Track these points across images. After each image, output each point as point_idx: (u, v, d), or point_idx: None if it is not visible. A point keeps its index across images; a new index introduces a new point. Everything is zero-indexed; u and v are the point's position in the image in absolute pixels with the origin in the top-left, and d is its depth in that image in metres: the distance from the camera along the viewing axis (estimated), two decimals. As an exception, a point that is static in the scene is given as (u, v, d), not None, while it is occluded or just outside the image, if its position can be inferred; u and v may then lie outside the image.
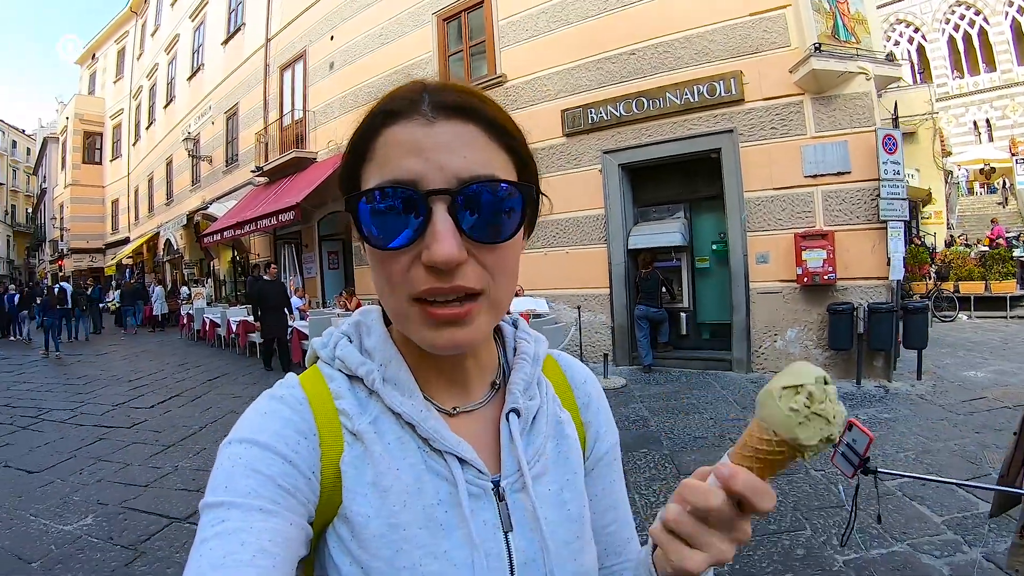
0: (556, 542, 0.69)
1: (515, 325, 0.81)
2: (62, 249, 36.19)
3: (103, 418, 7.73)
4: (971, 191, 29.85)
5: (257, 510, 0.56)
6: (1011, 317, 13.19)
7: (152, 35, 27.50)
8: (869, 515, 3.19)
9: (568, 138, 9.48)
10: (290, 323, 10.54)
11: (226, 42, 19.27)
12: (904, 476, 4.07)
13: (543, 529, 0.68)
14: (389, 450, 0.65)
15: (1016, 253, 14.94)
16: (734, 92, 8.03)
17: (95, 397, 9.09)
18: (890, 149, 7.44)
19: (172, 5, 24.56)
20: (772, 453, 0.51)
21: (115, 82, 33.03)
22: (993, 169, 28.75)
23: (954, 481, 3.02)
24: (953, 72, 34.45)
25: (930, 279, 14.14)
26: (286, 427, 0.63)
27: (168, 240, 22.70)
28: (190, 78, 22.23)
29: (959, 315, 13.37)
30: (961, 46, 34.11)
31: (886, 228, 7.39)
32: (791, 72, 7.71)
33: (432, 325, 0.61)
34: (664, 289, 8.66)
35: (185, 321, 17.28)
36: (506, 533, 0.67)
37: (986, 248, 15.40)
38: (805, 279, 7.72)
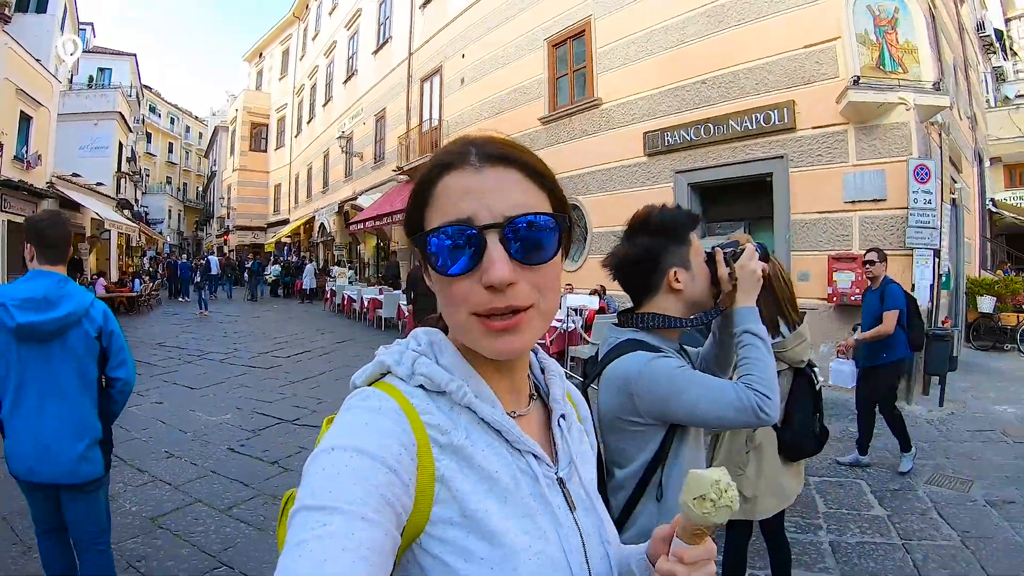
0: (604, 517, 0.89)
1: (534, 351, 0.93)
2: (228, 226, 41.49)
3: (249, 361, 10.62)
4: None
5: (360, 519, 0.59)
6: None
7: (313, 39, 31.28)
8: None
9: (648, 158, 10.99)
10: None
11: (376, 52, 22.23)
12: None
13: (596, 508, 0.88)
14: (485, 456, 0.75)
15: None
16: (786, 120, 9.12)
17: (245, 346, 12.11)
18: (921, 179, 8.12)
19: (330, 13, 28.02)
20: (701, 532, 0.74)
21: (280, 79, 37.54)
22: None
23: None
24: None
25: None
26: (389, 438, 0.68)
27: (322, 224, 26.29)
28: (345, 81, 25.53)
29: None
30: None
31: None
32: (837, 102, 8.48)
33: (491, 335, 0.73)
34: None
35: (329, 296, 20.47)
36: (572, 512, 0.82)
37: None
38: (835, 298, 8.55)
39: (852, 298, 8.34)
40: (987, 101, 21.77)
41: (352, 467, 0.63)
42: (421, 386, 0.77)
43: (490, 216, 0.71)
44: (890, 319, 5.47)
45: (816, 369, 3.01)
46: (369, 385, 0.79)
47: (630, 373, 1.63)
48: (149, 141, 49.36)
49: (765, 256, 1.76)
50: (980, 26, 22.19)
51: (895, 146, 8.39)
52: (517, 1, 14.20)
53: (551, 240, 0.75)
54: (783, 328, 2.92)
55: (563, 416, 0.90)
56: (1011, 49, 33.37)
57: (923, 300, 7.92)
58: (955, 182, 10.94)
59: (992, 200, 18.26)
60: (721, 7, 9.99)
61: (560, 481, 0.84)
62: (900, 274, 8.09)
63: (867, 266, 5.76)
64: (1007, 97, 23.46)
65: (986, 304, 13.32)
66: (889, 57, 8.54)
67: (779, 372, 2.94)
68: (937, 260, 8.51)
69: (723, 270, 1.73)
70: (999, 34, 27.66)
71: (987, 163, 18.49)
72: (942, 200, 8.66)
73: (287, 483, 4.80)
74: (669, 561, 0.75)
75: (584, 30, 12.38)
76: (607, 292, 10.85)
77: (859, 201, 8.61)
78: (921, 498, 4.89)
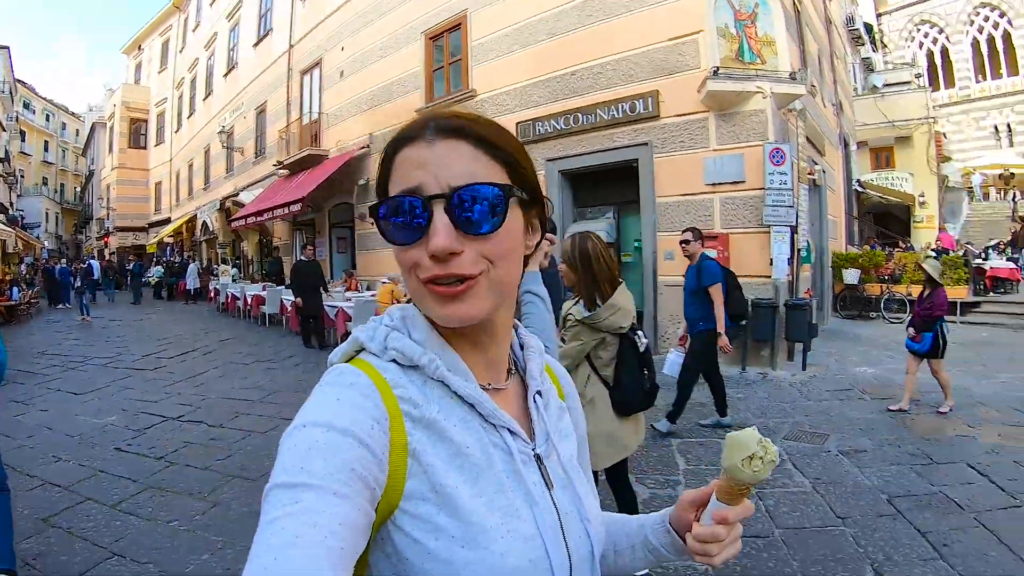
0: (583, 495, 0.87)
1: (515, 327, 0.92)
2: (108, 227, 39.51)
3: (133, 364, 10.17)
4: (986, 196, 30.02)
5: (332, 493, 0.60)
6: (961, 322, 13.76)
7: (193, 31, 30.10)
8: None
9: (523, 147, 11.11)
10: (324, 302, 11.45)
11: (257, 44, 21.63)
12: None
13: (575, 485, 0.86)
14: (458, 431, 0.76)
15: (991, 263, 16.03)
16: (651, 109, 9.54)
17: (129, 350, 11.56)
18: (777, 161, 8.71)
19: (211, 4, 27.09)
20: (745, 491, 0.79)
21: (159, 72, 35.96)
22: (1012, 175, 28.70)
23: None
24: (976, 75, 34.83)
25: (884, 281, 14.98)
26: (360, 412, 0.69)
27: (204, 222, 25.33)
28: (226, 74, 24.70)
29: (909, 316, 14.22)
30: (985, 48, 34.39)
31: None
32: (698, 92, 9.01)
33: (439, 301, 0.74)
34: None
35: (213, 295, 19.82)
36: (549, 490, 0.82)
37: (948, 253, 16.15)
38: None
39: None
40: (855, 90, 23.34)
41: (323, 443, 0.64)
42: (394, 360, 0.78)
43: (437, 186, 0.72)
44: (716, 292, 5.82)
45: (639, 332, 3.30)
46: (345, 363, 0.79)
47: None
48: (23, 139, 46.87)
49: (552, 230, 2.04)
50: (849, 20, 23.86)
51: (752, 132, 8.95)
52: (394, -6, 14.15)
53: (497, 210, 0.74)
54: (598, 301, 3.19)
55: (539, 392, 0.90)
56: (881, 42, 35.94)
57: (780, 273, 8.74)
58: (816, 164, 11.64)
59: (858, 181, 19.70)
60: (591, 1, 10.30)
61: (538, 458, 0.83)
62: (760, 250, 8.83)
63: (683, 245, 6.07)
64: (875, 86, 25.01)
65: (851, 276, 14.49)
66: (748, 49, 9.10)
67: (603, 339, 3.23)
68: (795, 236, 9.11)
69: None
70: (868, 28, 29.65)
71: (853, 147, 19.89)
72: (797, 181, 9.25)
73: (174, 477, 4.97)
74: (704, 526, 0.81)
75: (460, 23, 12.49)
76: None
77: (719, 184, 9.14)
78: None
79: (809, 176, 11.10)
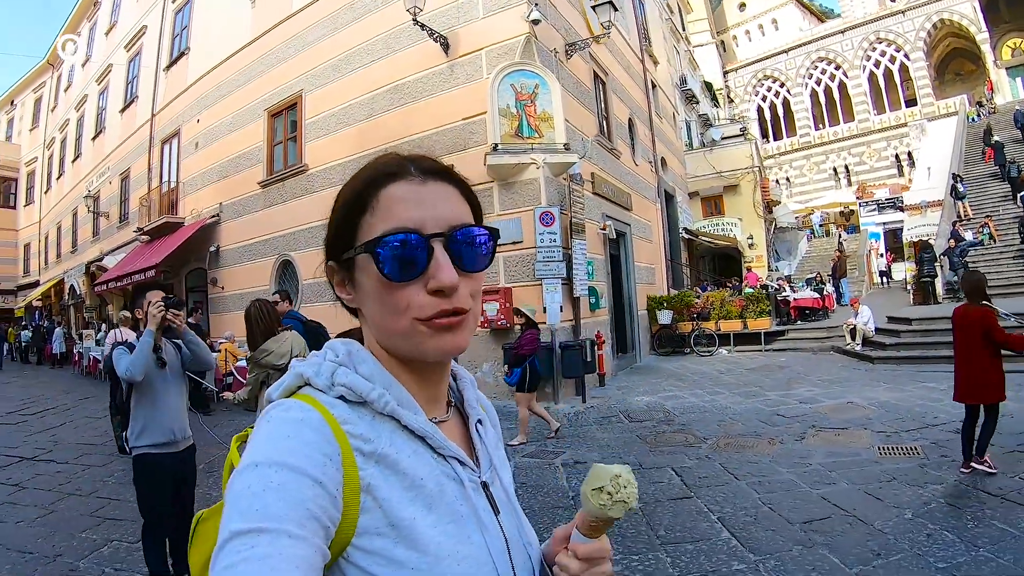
0: (523, 520, 0.93)
1: None
2: (-27, 289, 38.60)
3: None
4: (827, 233, 33.42)
5: (288, 536, 0.61)
6: (766, 350, 15.98)
7: (65, 91, 30.74)
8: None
9: None
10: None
11: (123, 110, 22.78)
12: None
13: (517, 510, 0.92)
14: (411, 463, 0.77)
15: (794, 295, 18.42)
16: None
17: None
18: (546, 222, 10.29)
19: (83, 65, 27.91)
20: (597, 524, 0.82)
21: (31, 130, 36.21)
22: (852, 211, 32.48)
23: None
24: (816, 123, 39.36)
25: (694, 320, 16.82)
26: (313, 449, 0.69)
27: (72, 286, 25.83)
28: (94, 138, 25.64)
29: (719, 350, 15.95)
30: (823, 99, 39.09)
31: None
32: (484, 164, 10.35)
33: (436, 335, 0.78)
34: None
35: (77, 358, 20.64)
36: (496, 515, 0.85)
37: (751, 290, 18.58)
38: (486, 324, 10.49)
39: (499, 323, 10.55)
40: (688, 144, 26.26)
41: (277, 483, 0.64)
42: (341, 397, 0.78)
43: (436, 226, 0.78)
44: None
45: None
46: (287, 397, 0.80)
47: None
48: None
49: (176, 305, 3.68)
50: (683, 81, 26.76)
51: (528, 197, 10.66)
52: (245, 72, 15.89)
53: (488, 251, 0.83)
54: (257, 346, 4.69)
55: (480, 421, 0.95)
56: (728, 97, 40.08)
57: (554, 319, 10.22)
58: (608, 220, 13.61)
59: (685, 228, 22.24)
60: (402, 85, 12.20)
61: (484, 485, 0.87)
62: (538, 300, 10.28)
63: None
64: (713, 139, 27.86)
65: (664, 317, 16.52)
66: (527, 125, 10.76)
67: (268, 373, 4.68)
68: (569, 286, 10.87)
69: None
70: (708, 86, 33.25)
71: (681, 198, 22.47)
72: (571, 237, 10.92)
73: (23, 496, 6.53)
74: (566, 555, 0.85)
75: (296, 102, 14.31)
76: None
77: (503, 244, 10.10)
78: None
79: (601, 231, 13.37)
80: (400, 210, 0.79)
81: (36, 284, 33.19)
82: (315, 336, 7.51)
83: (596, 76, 14.31)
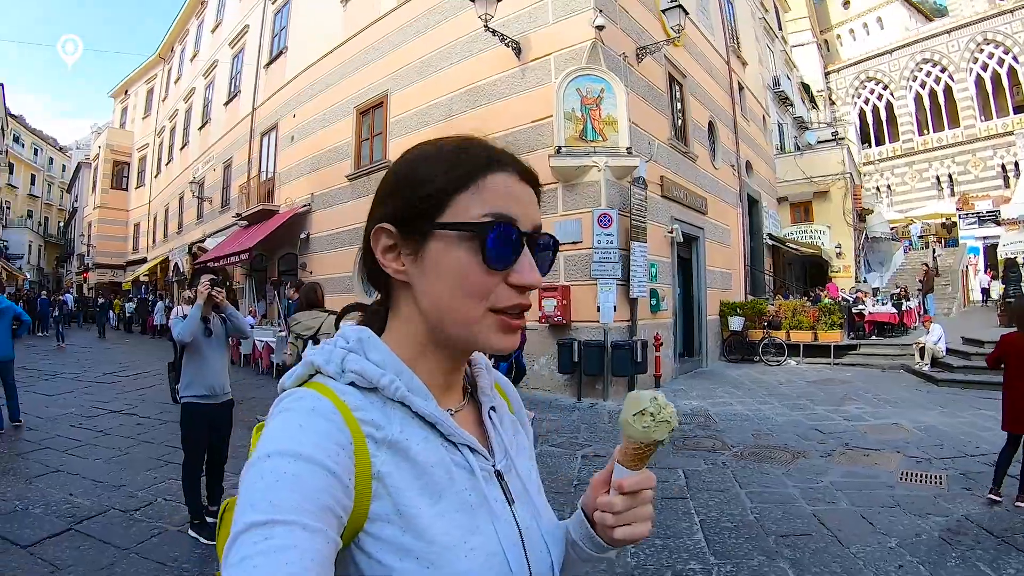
0: (541, 508, 0.91)
1: None
2: (88, 263, 42.54)
3: (95, 378, 13.25)
4: (926, 245, 32.32)
5: (301, 528, 0.61)
6: (835, 363, 15.69)
7: (175, 83, 33.37)
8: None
9: None
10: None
11: (227, 103, 24.72)
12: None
13: (534, 499, 0.90)
14: (421, 450, 0.78)
15: (870, 309, 17.91)
16: None
17: (93, 369, 14.77)
18: (604, 224, 10.75)
19: (192, 60, 30.32)
20: (641, 452, 0.79)
21: (144, 118, 39.32)
22: (953, 223, 31.49)
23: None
24: (920, 128, 37.91)
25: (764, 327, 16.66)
26: (325, 438, 0.69)
27: (176, 263, 28.12)
28: (200, 128, 27.87)
29: (788, 360, 15.84)
30: (927, 103, 37.59)
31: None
32: (549, 166, 10.86)
33: (504, 331, 0.81)
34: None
35: (174, 330, 22.75)
36: (510, 505, 0.85)
37: (830, 301, 17.92)
38: (543, 320, 11.09)
39: (555, 319, 11.12)
40: (778, 147, 25.97)
41: (290, 474, 0.65)
42: (352, 383, 0.79)
43: (528, 225, 0.81)
44: None
45: (323, 339, 5.60)
46: (299, 386, 0.80)
47: None
48: (11, 172, 49.66)
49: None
50: (775, 82, 26.54)
51: (590, 199, 11.11)
52: (337, 71, 17.14)
53: (551, 259, 0.88)
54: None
55: (493, 408, 0.95)
56: (829, 99, 39.18)
57: (607, 318, 10.72)
58: (675, 225, 13.94)
59: (769, 235, 22.01)
60: (478, 88, 13.00)
61: (498, 474, 0.87)
62: (593, 299, 10.94)
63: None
64: (809, 143, 27.52)
65: (736, 323, 16.46)
66: (591, 128, 11.20)
67: (303, 338, 5.59)
68: (626, 287, 11.28)
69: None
70: (806, 87, 32.73)
71: (767, 203, 22.29)
72: (632, 240, 11.30)
73: (106, 441, 7.90)
74: (609, 495, 0.82)
75: (383, 101, 15.41)
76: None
77: (564, 243, 10.60)
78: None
79: (668, 234, 13.80)
80: (504, 200, 0.80)
81: (143, 261, 36.13)
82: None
83: (672, 79, 14.60)
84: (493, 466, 0.87)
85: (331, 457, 0.68)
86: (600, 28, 11.16)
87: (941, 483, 6.22)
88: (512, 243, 0.79)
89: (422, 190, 0.81)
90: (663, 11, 13.25)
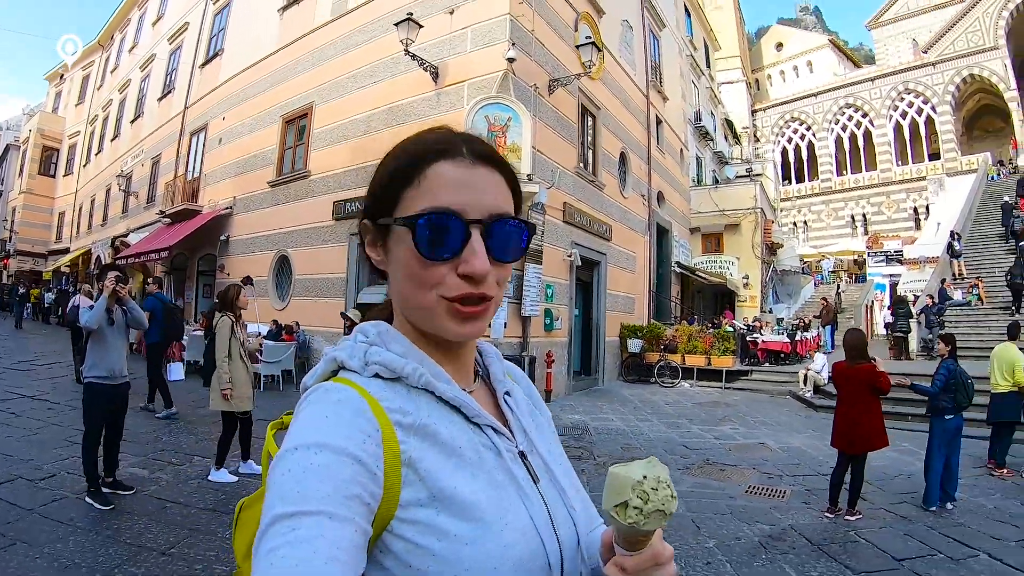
0: (566, 486, 0.93)
1: None
2: (9, 250, 41.56)
3: (10, 366, 13.65)
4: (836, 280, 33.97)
5: (329, 517, 0.63)
6: (726, 387, 16.53)
7: (111, 72, 33.13)
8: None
9: (335, 222, 14.41)
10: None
11: (161, 99, 24.90)
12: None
13: (559, 478, 0.92)
14: (448, 432, 0.80)
15: (763, 337, 18.94)
16: None
17: (7, 358, 15.04)
18: None
19: (130, 51, 30.25)
20: (639, 540, 0.71)
21: (76, 105, 38.81)
22: (864, 261, 33.18)
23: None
24: (838, 169, 40.31)
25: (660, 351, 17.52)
26: (352, 428, 0.72)
27: (99, 256, 27.95)
28: (133, 121, 27.83)
29: (682, 382, 16.65)
30: (847, 145, 40.13)
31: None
32: None
33: (459, 319, 0.82)
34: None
35: (87, 321, 22.95)
36: (536, 484, 0.87)
37: (730, 329, 18.71)
38: None
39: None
40: (696, 180, 27.42)
41: (318, 465, 0.67)
42: (376, 375, 0.82)
43: (478, 212, 0.81)
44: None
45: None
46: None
47: None
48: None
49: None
50: (697, 117, 28.04)
51: None
52: (268, 78, 17.73)
53: (520, 243, 0.86)
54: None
55: (508, 393, 0.98)
56: (755, 136, 41.27)
57: (495, 335, 11.44)
58: (574, 249, 14.75)
59: (678, 263, 23.29)
60: (396, 107, 13.75)
61: (521, 454, 0.89)
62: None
63: None
64: (728, 178, 29.11)
65: (634, 346, 17.46)
66: None
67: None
68: (517, 305, 12.06)
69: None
70: (729, 123, 34.49)
71: (677, 233, 23.52)
72: (524, 262, 12.14)
73: (17, 422, 8.38)
74: (615, 569, 0.76)
75: (307, 112, 16.08)
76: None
77: None
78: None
79: (568, 258, 14.70)
80: (445, 191, 0.81)
81: (66, 251, 35.61)
82: (170, 313, 9.85)
83: (585, 110, 15.60)
84: (516, 447, 0.90)
85: (359, 446, 0.71)
86: (511, 60, 12.04)
87: (783, 496, 6.77)
88: (451, 233, 0.80)
89: (378, 186, 0.89)
90: (578, 47, 14.19)
